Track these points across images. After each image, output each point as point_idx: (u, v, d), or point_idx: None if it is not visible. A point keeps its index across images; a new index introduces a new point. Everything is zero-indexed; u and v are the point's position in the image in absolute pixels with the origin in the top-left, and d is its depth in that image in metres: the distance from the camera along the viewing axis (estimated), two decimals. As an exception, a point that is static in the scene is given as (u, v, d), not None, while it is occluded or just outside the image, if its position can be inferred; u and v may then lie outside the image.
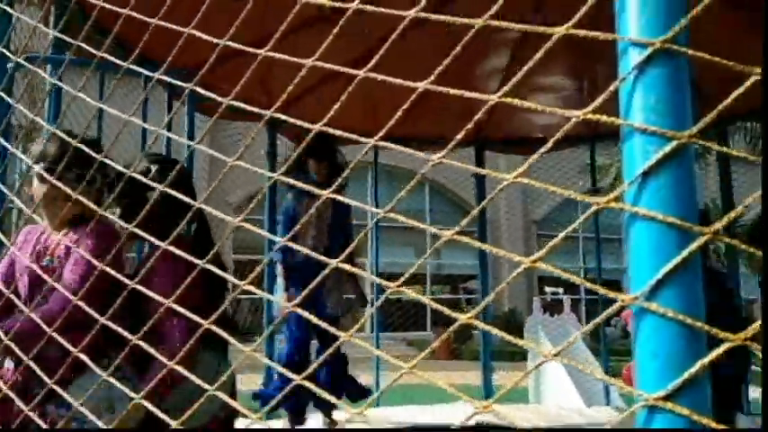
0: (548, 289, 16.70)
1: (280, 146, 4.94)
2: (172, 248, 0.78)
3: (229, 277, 0.86)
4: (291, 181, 0.77)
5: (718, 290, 3.03)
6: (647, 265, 0.48)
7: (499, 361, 6.15)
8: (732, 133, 9.76)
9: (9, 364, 1.77)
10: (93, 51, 1.01)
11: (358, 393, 3.39)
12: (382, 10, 0.65)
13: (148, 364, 1.68)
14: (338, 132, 0.68)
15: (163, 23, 0.92)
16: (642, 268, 0.49)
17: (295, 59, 0.76)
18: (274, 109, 0.75)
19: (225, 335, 0.71)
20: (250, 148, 0.84)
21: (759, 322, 0.45)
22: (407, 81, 0.64)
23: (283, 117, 0.78)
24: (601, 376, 0.62)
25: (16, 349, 1.18)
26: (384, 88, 0.69)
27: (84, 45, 1.03)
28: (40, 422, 1.30)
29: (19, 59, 1.21)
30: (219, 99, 0.80)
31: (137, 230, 0.84)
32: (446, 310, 0.62)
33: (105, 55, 0.96)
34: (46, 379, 1.01)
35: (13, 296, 1.28)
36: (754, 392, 4.64)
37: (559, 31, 0.53)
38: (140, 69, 0.97)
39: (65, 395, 1.03)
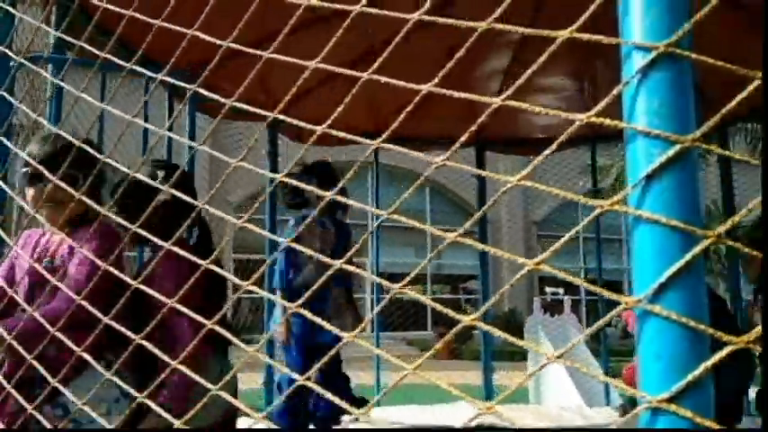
0: (548, 289, 16.72)
1: (281, 145, 4.94)
2: (176, 249, 0.78)
3: (231, 277, 0.86)
4: (294, 184, 0.77)
5: (710, 296, 3.03)
6: (650, 267, 0.48)
7: (499, 361, 6.16)
8: (732, 134, 9.76)
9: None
10: (96, 52, 1.01)
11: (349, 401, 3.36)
12: (386, 13, 0.66)
13: (152, 365, 1.69)
14: (342, 134, 0.68)
15: (165, 24, 0.92)
16: (646, 271, 0.49)
17: (298, 61, 0.76)
18: (278, 111, 0.75)
19: (229, 335, 0.72)
20: (253, 149, 0.84)
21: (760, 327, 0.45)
22: (408, 81, 0.64)
23: (287, 119, 0.78)
24: (601, 377, 0.62)
25: (20, 348, 1.18)
26: (385, 88, 0.69)
27: (86, 45, 1.03)
28: (45, 422, 1.30)
29: (21, 60, 1.21)
30: (223, 100, 0.81)
31: (142, 232, 0.84)
32: (450, 312, 0.62)
33: (108, 56, 0.96)
34: (49, 378, 1.01)
35: (16, 296, 1.28)
36: (754, 392, 4.63)
37: (563, 34, 0.53)
38: (142, 70, 0.98)
39: (68, 393, 1.03)
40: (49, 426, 1.62)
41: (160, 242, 0.80)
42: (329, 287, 3.20)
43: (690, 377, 0.46)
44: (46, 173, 1.08)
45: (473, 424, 0.59)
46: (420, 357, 0.62)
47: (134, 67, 0.93)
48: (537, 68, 0.56)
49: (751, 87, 0.45)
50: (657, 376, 0.48)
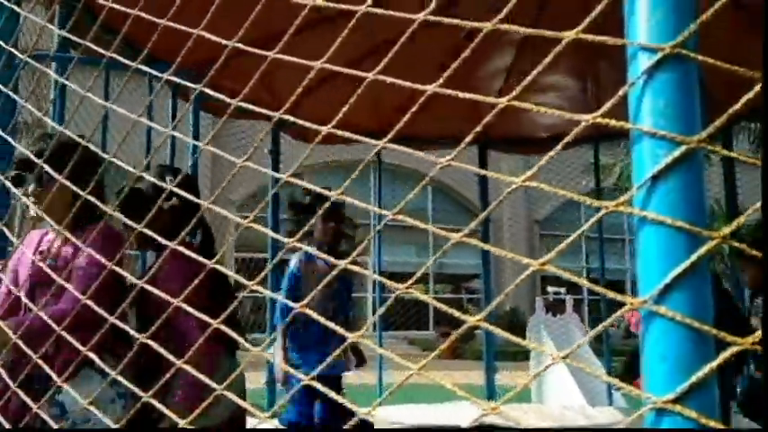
0: (550, 289, 16.70)
1: (283, 144, 4.95)
2: (181, 249, 0.79)
3: (237, 276, 0.87)
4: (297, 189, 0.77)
5: (717, 291, 3.03)
6: (655, 268, 0.48)
7: (502, 361, 6.16)
8: (736, 133, 9.74)
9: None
10: (101, 51, 1.01)
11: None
12: (392, 13, 0.66)
13: (155, 366, 1.69)
14: (347, 134, 0.68)
15: (170, 24, 0.92)
16: (651, 272, 0.49)
17: (303, 61, 0.76)
18: (282, 111, 0.76)
19: (235, 335, 0.72)
20: (253, 147, 0.84)
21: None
22: (410, 79, 0.64)
23: (291, 119, 0.79)
24: (604, 377, 0.62)
25: (25, 347, 1.19)
26: (388, 87, 0.69)
27: (91, 45, 1.04)
28: (50, 421, 1.31)
29: (27, 58, 1.22)
30: (228, 100, 0.81)
31: (155, 236, 0.84)
32: (454, 312, 0.62)
33: (114, 55, 0.96)
34: (54, 377, 1.01)
35: (24, 298, 1.29)
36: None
37: (569, 35, 0.53)
38: (147, 69, 0.98)
39: (73, 393, 1.04)
40: (53, 425, 1.62)
41: (169, 244, 0.80)
42: (335, 317, 3.20)
43: (694, 378, 0.46)
44: (51, 172, 1.08)
45: (478, 424, 0.59)
46: (422, 357, 0.62)
47: (139, 66, 0.94)
48: (538, 67, 0.56)
49: (757, 88, 0.45)
50: (663, 377, 0.48)
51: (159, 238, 0.86)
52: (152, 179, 1.82)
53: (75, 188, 1.07)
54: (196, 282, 0.81)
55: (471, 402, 0.58)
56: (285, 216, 3.50)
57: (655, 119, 0.49)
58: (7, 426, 1.47)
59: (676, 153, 0.48)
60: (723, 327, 0.46)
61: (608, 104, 0.50)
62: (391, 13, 0.66)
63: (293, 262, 3.26)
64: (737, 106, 0.45)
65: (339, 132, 0.72)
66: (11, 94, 1.33)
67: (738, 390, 3.87)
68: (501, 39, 4.18)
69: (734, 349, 0.45)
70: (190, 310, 0.78)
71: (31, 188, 1.75)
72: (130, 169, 0.98)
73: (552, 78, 4.56)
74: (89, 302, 0.99)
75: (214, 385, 0.74)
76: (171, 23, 0.92)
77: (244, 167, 0.80)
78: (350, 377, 3.42)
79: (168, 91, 3.70)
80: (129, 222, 0.92)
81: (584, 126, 0.52)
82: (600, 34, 0.54)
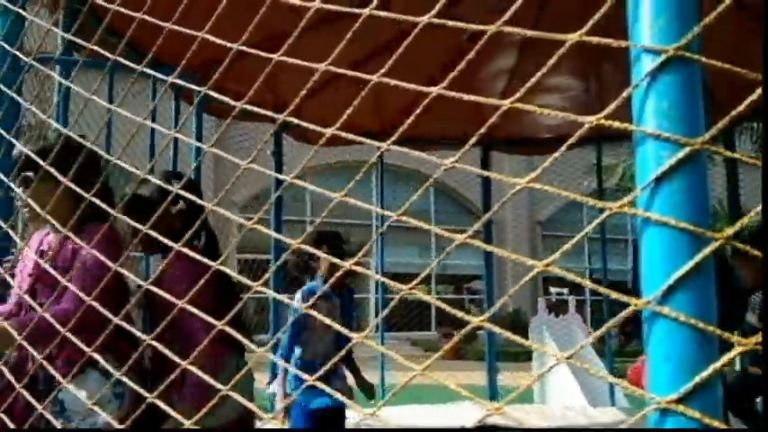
0: (553, 289, 16.69)
1: (285, 145, 4.95)
2: (190, 253, 0.79)
3: (241, 278, 0.87)
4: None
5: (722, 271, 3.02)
6: (659, 269, 0.49)
7: (504, 361, 6.15)
8: (738, 134, 9.72)
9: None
10: (106, 54, 1.01)
11: None
12: (396, 16, 0.66)
13: (159, 367, 1.70)
14: (350, 136, 0.69)
15: (175, 27, 0.93)
16: (655, 272, 0.49)
17: (307, 63, 0.77)
18: (286, 113, 0.76)
19: (239, 336, 0.72)
20: (256, 149, 0.84)
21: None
22: (412, 79, 0.64)
23: (295, 121, 0.79)
24: (606, 378, 0.62)
25: (29, 346, 1.19)
26: (391, 88, 0.69)
27: (96, 48, 1.04)
28: (55, 422, 1.32)
29: (32, 61, 1.22)
30: (233, 103, 0.81)
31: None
32: (458, 313, 0.62)
33: (119, 58, 0.97)
34: (60, 378, 1.02)
35: (29, 299, 1.29)
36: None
37: (573, 37, 0.53)
38: (151, 72, 0.98)
39: (77, 393, 1.04)
40: (57, 425, 1.63)
41: (176, 246, 0.81)
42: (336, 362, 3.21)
43: (698, 378, 0.46)
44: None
45: (482, 424, 0.59)
46: (424, 357, 0.63)
47: (144, 69, 0.94)
48: (543, 68, 0.56)
49: (758, 92, 0.46)
50: (666, 377, 0.48)
51: (168, 242, 0.86)
52: (158, 182, 1.83)
53: (76, 189, 1.08)
54: (201, 282, 0.81)
55: (475, 403, 0.58)
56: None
57: (658, 120, 0.50)
58: (12, 426, 1.47)
59: (680, 154, 0.48)
60: (726, 304, 0.46)
61: (612, 106, 0.50)
62: (395, 15, 0.66)
63: (297, 297, 3.26)
64: (741, 108, 0.46)
65: (343, 134, 0.73)
66: (15, 96, 1.34)
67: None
68: (503, 40, 4.17)
69: (738, 350, 0.46)
70: (195, 311, 0.78)
71: (20, 190, 1.76)
72: (135, 171, 0.99)
73: (555, 80, 4.56)
74: (88, 300, 0.99)
75: (218, 386, 0.75)
76: (175, 27, 0.92)
77: (247, 169, 0.81)
78: (351, 379, 3.42)
79: (171, 93, 3.70)
80: (139, 227, 0.92)
81: (587, 127, 0.52)
82: (603, 35, 0.55)
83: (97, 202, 1.05)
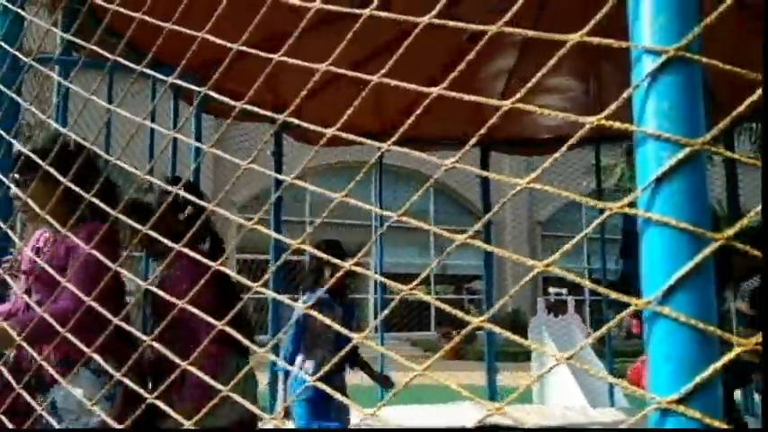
0: (552, 290, 16.68)
1: (285, 145, 4.95)
2: (188, 251, 0.79)
3: (240, 278, 0.87)
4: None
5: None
6: (660, 269, 0.49)
7: (503, 361, 6.15)
8: (737, 134, 9.73)
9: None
10: (106, 54, 1.01)
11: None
12: (396, 16, 0.66)
13: (164, 367, 1.70)
14: (351, 137, 0.69)
15: (175, 27, 0.93)
16: (655, 273, 0.49)
17: (307, 64, 0.77)
18: (287, 114, 0.76)
19: (240, 336, 0.72)
20: (256, 149, 0.84)
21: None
22: (412, 79, 0.64)
23: (295, 121, 0.79)
24: (606, 378, 0.62)
25: (27, 346, 1.19)
26: (391, 88, 0.69)
27: (96, 48, 1.04)
28: (54, 423, 1.31)
29: (32, 62, 1.22)
30: (233, 103, 0.81)
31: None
32: (458, 313, 0.62)
33: (118, 59, 0.97)
34: (59, 378, 1.02)
35: (26, 297, 1.29)
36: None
37: (573, 38, 0.53)
38: (151, 72, 0.98)
39: (78, 393, 1.04)
40: (55, 425, 1.63)
41: (178, 247, 0.81)
42: (340, 371, 3.29)
43: (699, 379, 0.46)
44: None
45: (482, 425, 0.59)
46: (424, 357, 0.63)
47: (144, 69, 0.94)
48: (542, 69, 0.56)
49: (758, 93, 0.46)
50: (667, 377, 0.48)
51: (169, 242, 0.86)
52: (162, 185, 1.86)
53: (76, 189, 1.08)
54: (201, 282, 0.82)
55: (475, 403, 0.58)
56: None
57: (659, 121, 0.50)
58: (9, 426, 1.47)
59: (680, 155, 0.48)
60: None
61: (612, 107, 0.50)
62: (395, 16, 0.66)
63: (300, 308, 3.29)
64: (741, 109, 0.46)
65: (343, 135, 0.73)
66: (15, 96, 1.34)
67: None
68: (504, 40, 4.18)
69: (738, 350, 0.46)
70: (197, 312, 0.78)
71: (12, 191, 1.77)
72: (135, 171, 0.98)
73: (555, 80, 4.56)
74: (88, 301, 0.99)
75: (219, 386, 0.75)
76: (175, 27, 0.92)
77: (247, 169, 0.81)
78: (351, 378, 3.43)
79: (170, 93, 3.70)
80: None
81: (588, 128, 0.52)
82: (603, 36, 0.55)
83: (96, 201, 1.05)
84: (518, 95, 0.54)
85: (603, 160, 5.88)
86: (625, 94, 0.51)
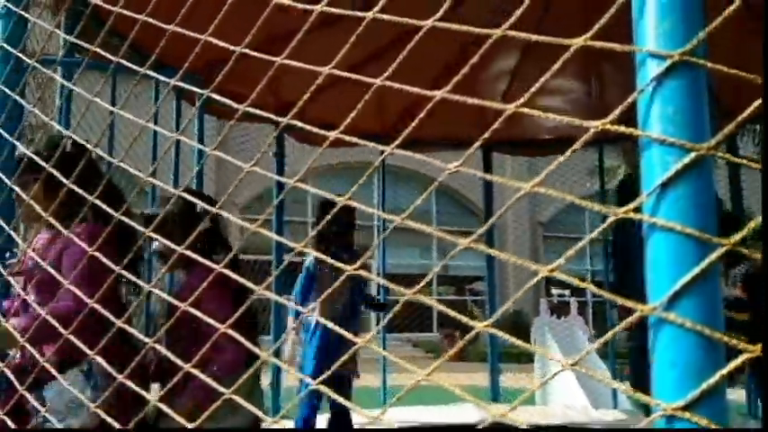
0: (554, 291, 16.66)
1: (287, 146, 4.95)
2: (201, 259, 0.79)
3: (244, 281, 0.87)
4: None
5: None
6: (665, 275, 0.48)
7: (506, 362, 6.15)
8: (740, 135, 9.70)
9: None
10: (109, 56, 1.01)
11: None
12: (400, 19, 0.66)
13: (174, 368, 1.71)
14: (354, 139, 0.69)
15: (178, 29, 0.93)
16: (661, 278, 0.49)
17: (310, 66, 0.76)
18: (290, 116, 0.76)
19: (248, 343, 0.72)
20: (258, 149, 0.84)
21: None
22: (414, 80, 0.64)
23: (298, 124, 0.79)
24: (609, 381, 0.62)
25: (28, 346, 1.19)
26: (393, 90, 0.69)
27: (99, 50, 1.04)
28: (55, 422, 1.32)
29: (35, 63, 1.22)
30: (235, 105, 0.81)
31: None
32: (462, 318, 0.62)
33: (121, 60, 0.97)
34: (58, 376, 1.02)
35: (28, 298, 1.30)
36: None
37: (577, 42, 0.53)
38: (154, 74, 0.98)
39: (79, 393, 1.04)
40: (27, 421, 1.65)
41: (182, 251, 0.81)
42: (350, 314, 3.32)
43: (705, 385, 0.46)
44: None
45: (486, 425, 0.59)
46: (426, 359, 0.63)
47: (147, 71, 0.94)
48: (545, 71, 0.56)
49: (757, 103, 0.45)
50: (672, 384, 0.48)
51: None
52: (177, 207, 1.88)
53: (78, 190, 1.08)
54: (205, 282, 0.82)
55: (479, 406, 0.58)
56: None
57: (664, 126, 0.49)
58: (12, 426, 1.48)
59: (686, 160, 0.48)
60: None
61: (617, 111, 0.50)
62: (399, 18, 0.66)
63: (309, 259, 3.38)
64: (746, 114, 0.45)
65: (346, 138, 0.72)
66: (18, 99, 1.34)
67: None
68: (506, 42, 4.17)
69: (744, 356, 0.45)
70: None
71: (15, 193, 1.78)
72: (137, 173, 0.98)
73: (557, 82, 4.56)
74: (91, 303, 0.99)
75: (221, 389, 0.74)
76: (178, 29, 0.92)
77: (249, 171, 0.81)
78: (355, 381, 3.42)
79: (172, 94, 3.71)
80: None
81: (593, 132, 0.52)
82: (606, 38, 0.54)
83: (100, 204, 1.05)
84: (522, 100, 0.54)
85: (606, 162, 5.86)
86: (630, 99, 0.51)
